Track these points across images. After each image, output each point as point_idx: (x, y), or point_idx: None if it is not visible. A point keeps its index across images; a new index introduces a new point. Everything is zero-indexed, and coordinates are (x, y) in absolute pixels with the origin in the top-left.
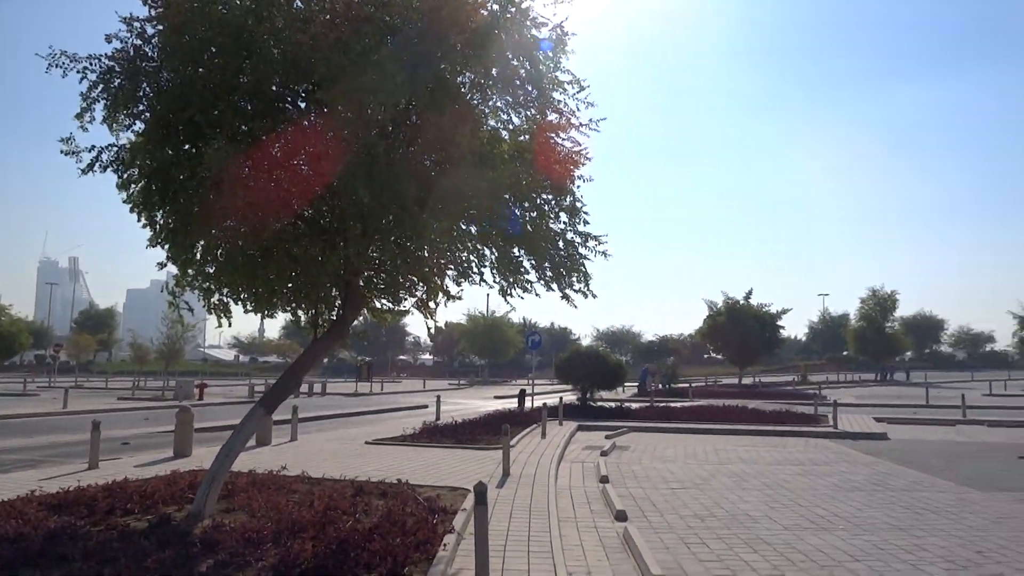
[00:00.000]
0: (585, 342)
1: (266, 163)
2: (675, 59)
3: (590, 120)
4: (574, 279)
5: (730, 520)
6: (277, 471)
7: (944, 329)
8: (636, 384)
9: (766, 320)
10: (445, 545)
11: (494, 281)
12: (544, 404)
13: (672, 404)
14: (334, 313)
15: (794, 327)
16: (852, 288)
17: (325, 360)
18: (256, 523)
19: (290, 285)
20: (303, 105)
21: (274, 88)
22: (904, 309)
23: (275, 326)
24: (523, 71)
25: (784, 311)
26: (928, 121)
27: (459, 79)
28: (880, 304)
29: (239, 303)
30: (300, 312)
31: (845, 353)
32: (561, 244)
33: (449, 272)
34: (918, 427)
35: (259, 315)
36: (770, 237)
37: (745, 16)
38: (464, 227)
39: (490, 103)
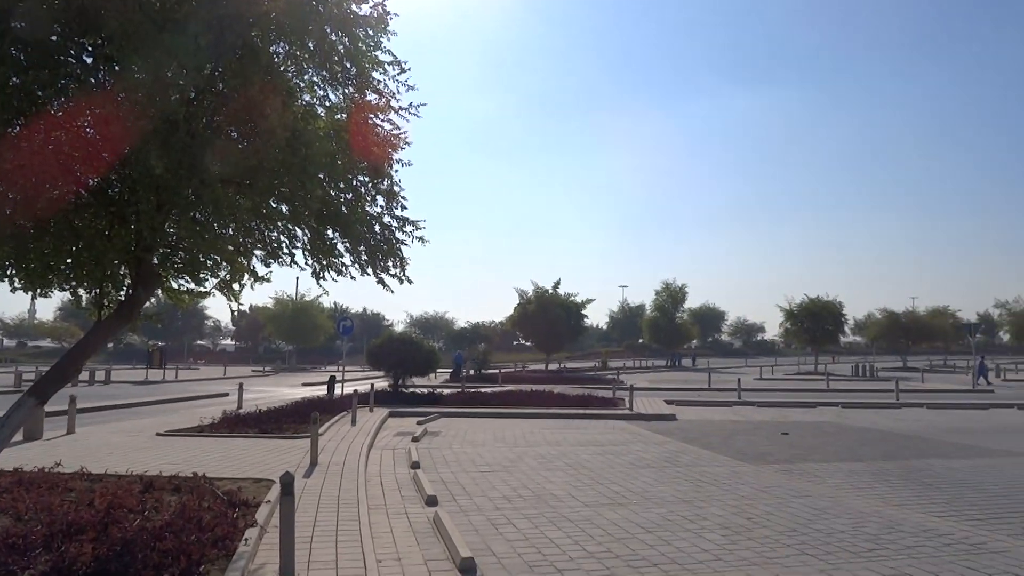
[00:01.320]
0: (398, 328)
1: (43, 122)
2: (491, 54)
3: (411, 104)
4: (390, 264)
5: (536, 500)
6: (50, 468)
7: (725, 320)
8: (449, 370)
9: (572, 309)
10: (247, 540)
11: (306, 263)
12: (355, 391)
13: (483, 389)
14: (122, 293)
15: (597, 316)
16: (648, 280)
17: (110, 345)
18: (23, 527)
19: (69, 261)
20: (90, 61)
21: (54, 38)
22: (692, 301)
23: (49, 306)
24: (341, 47)
25: (588, 301)
26: (718, 130)
27: (272, 49)
28: (672, 296)
29: (6, 280)
30: (81, 291)
31: (641, 341)
32: (378, 228)
33: (257, 252)
34: (702, 408)
35: (30, 294)
36: (578, 229)
37: (564, 18)
38: (274, 205)
39: (305, 77)
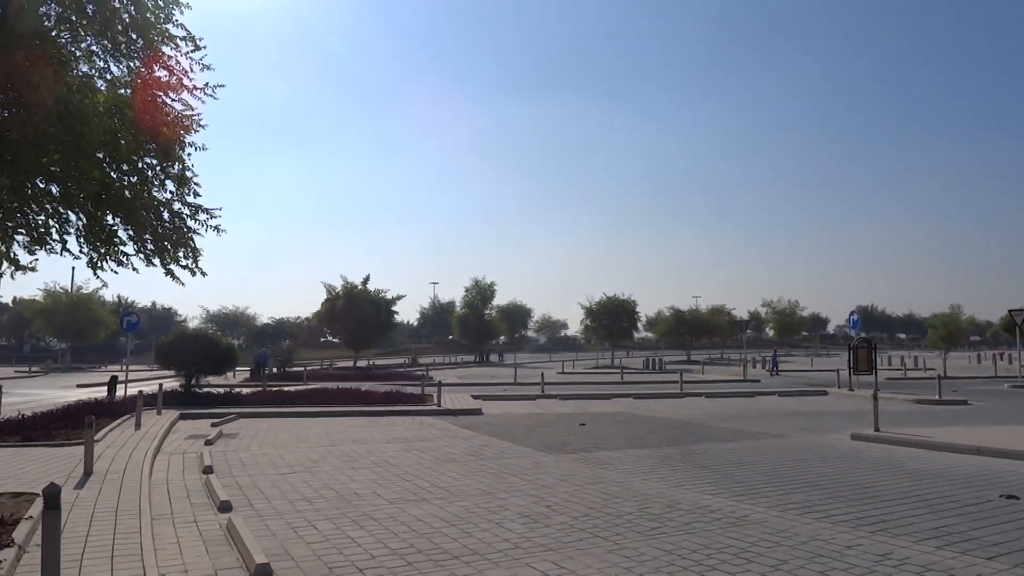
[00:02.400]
0: (193, 324)
1: None
2: (300, 39)
3: (206, 84)
4: (181, 254)
5: (339, 500)
6: None
7: (531, 317)
8: (249, 368)
9: (382, 305)
10: (1, 562)
11: (80, 251)
12: (140, 392)
13: (286, 388)
14: None
15: (408, 312)
16: (459, 278)
17: None
18: None
19: None
20: None
21: None
22: (500, 298)
23: None
24: (126, 15)
25: (399, 297)
26: (524, 132)
27: (40, 10)
28: (481, 293)
29: None
30: None
31: (451, 337)
32: (167, 215)
33: (18, 237)
34: (508, 402)
35: None
36: (388, 224)
37: (389, 12)
38: (42, 185)
39: (83, 45)
